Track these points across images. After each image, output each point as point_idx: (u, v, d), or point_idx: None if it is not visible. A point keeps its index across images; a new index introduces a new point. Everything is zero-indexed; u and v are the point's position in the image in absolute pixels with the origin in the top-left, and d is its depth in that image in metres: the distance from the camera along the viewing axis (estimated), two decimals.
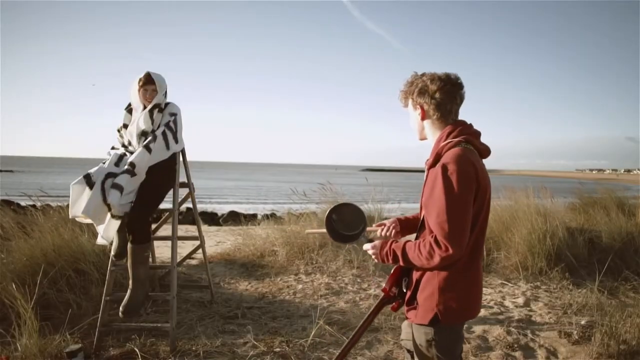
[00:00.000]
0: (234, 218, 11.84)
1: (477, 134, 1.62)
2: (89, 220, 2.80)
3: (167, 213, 3.55)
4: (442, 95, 1.58)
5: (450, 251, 1.44)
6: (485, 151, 1.62)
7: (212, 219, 14.01)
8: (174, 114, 3.02)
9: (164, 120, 2.98)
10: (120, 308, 2.82)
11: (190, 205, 3.73)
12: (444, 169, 1.47)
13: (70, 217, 2.81)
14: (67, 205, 2.88)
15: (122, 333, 2.99)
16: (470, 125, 1.64)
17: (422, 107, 1.63)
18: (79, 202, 2.71)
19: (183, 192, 3.43)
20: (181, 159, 3.20)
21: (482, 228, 1.58)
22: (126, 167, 2.78)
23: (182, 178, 3.26)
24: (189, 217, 12.15)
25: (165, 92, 3.00)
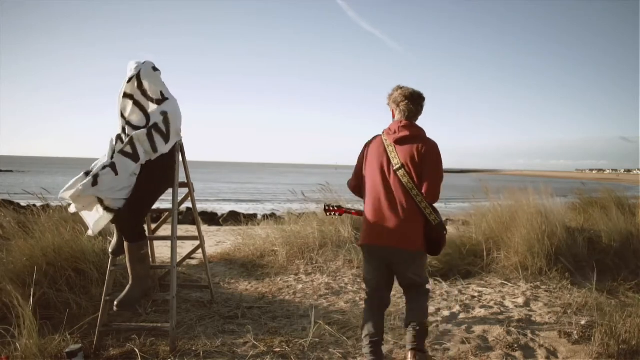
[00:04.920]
0: (234, 218, 11.84)
1: (398, 131, 2.42)
2: (74, 208, 2.77)
3: (167, 213, 3.55)
4: (404, 106, 2.46)
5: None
6: (396, 141, 2.42)
7: (212, 219, 14.01)
8: (164, 113, 2.88)
9: (153, 118, 2.86)
10: (115, 301, 2.81)
11: (190, 205, 3.73)
12: None
13: (59, 196, 2.76)
14: (68, 205, 2.87)
15: (122, 333, 3.00)
16: (407, 124, 2.44)
17: (392, 110, 2.57)
18: (72, 186, 2.71)
19: (183, 192, 3.43)
20: (180, 158, 3.19)
21: (369, 182, 2.48)
22: (110, 163, 2.75)
23: (182, 178, 3.25)
24: (189, 217, 12.14)
25: (154, 81, 2.88)
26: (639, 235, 4.79)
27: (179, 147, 3.11)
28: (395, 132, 2.43)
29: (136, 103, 2.87)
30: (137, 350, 2.70)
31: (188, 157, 3.33)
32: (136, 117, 2.88)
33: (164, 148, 2.90)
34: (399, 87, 2.51)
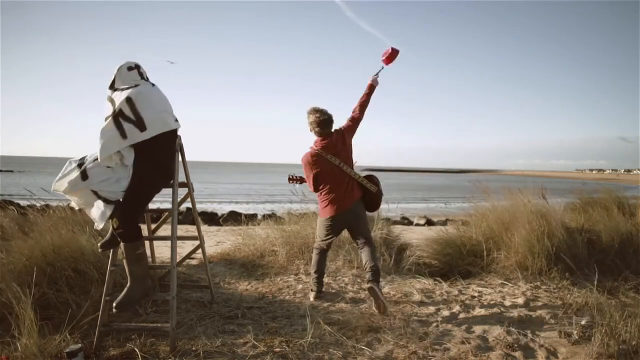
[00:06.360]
0: (234, 218, 11.83)
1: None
2: (74, 201, 2.80)
3: (167, 213, 3.55)
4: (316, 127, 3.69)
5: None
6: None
7: (212, 219, 14.01)
8: (128, 99, 2.75)
9: (118, 105, 2.77)
10: (114, 303, 2.81)
11: (190, 205, 3.73)
12: None
13: (52, 189, 2.77)
14: (67, 205, 2.88)
15: (122, 333, 3.00)
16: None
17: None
18: (62, 177, 2.72)
19: (182, 192, 3.43)
20: (180, 158, 3.18)
21: (326, 181, 3.65)
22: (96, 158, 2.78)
23: (182, 178, 3.25)
24: (189, 217, 12.14)
25: (126, 80, 2.86)
26: (639, 235, 4.79)
27: (178, 147, 3.10)
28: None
29: (110, 99, 2.85)
30: (137, 350, 2.70)
31: (188, 157, 3.33)
32: (106, 109, 2.84)
33: (137, 136, 2.77)
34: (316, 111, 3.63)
